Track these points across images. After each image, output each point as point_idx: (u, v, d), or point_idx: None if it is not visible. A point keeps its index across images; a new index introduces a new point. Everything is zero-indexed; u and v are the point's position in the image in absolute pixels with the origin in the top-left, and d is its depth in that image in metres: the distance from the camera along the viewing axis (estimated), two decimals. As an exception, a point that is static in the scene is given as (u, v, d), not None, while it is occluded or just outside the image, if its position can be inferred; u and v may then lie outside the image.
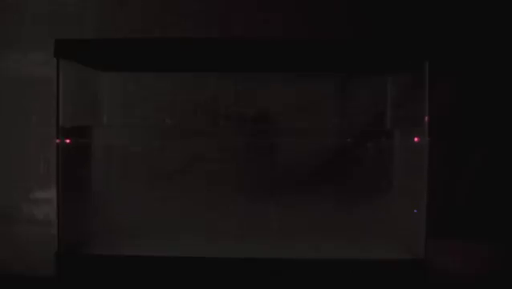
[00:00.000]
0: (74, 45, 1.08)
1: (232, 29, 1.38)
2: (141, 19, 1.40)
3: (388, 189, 1.26)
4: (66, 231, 1.06)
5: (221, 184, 1.29)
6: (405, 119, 1.22)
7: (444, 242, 1.23)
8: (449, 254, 1.19)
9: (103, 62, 1.22)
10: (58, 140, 1.06)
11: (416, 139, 1.10)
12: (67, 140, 1.09)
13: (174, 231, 1.25)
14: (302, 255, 1.07)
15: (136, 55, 1.12)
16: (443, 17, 1.38)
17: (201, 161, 1.30)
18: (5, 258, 1.15)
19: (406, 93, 1.24)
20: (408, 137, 1.18)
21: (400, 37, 1.35)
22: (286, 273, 1.05)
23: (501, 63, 1.38)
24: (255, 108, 1.33)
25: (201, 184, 1.30)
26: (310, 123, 1.32)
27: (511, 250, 1.26)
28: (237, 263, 1.05)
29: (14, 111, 1.41)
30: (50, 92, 1.07)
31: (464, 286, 1.03)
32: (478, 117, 1.40)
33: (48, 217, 1.37)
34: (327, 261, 1.06)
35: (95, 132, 1.27)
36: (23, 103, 1.40)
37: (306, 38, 1.09)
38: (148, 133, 1.32)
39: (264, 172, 1.28)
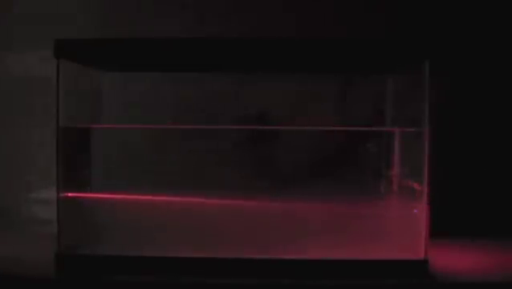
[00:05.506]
0: (74, 45, 1.08)
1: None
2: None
3: (388, 188, 1.26)
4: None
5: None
6: (405, 119, 1.22)
7: (444, 242, 1.23)
8: (449, 254, 1.19)
9: (104, 62, 1.22)
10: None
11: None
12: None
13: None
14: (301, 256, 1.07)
15: (135, 55, 1.12)
16: (443, 17, 1.38)
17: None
18: (5, 258, 1.15)
19: (405, 93, 1.24)
20: (407, 137, 1.18)
21: (400, 36, 1.35)
22: (285, 273, 1.05)
23: (502, 62, 1.39)
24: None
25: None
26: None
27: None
28: (239, 264, 1.05)
29: (13, 110, 1.41)
30: (51, 93, 1.07)
31: (464, 285, 1.03)
32: (479, 117, 1.40)
33: (48, 217, 1.37)
34: (326, 261, 1.06)
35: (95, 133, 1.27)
36: (23, 103, 1.40)
37: (305, 38, 1.09)
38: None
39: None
